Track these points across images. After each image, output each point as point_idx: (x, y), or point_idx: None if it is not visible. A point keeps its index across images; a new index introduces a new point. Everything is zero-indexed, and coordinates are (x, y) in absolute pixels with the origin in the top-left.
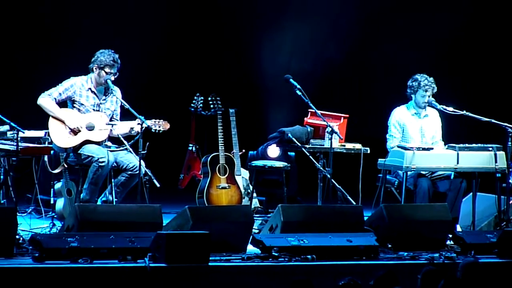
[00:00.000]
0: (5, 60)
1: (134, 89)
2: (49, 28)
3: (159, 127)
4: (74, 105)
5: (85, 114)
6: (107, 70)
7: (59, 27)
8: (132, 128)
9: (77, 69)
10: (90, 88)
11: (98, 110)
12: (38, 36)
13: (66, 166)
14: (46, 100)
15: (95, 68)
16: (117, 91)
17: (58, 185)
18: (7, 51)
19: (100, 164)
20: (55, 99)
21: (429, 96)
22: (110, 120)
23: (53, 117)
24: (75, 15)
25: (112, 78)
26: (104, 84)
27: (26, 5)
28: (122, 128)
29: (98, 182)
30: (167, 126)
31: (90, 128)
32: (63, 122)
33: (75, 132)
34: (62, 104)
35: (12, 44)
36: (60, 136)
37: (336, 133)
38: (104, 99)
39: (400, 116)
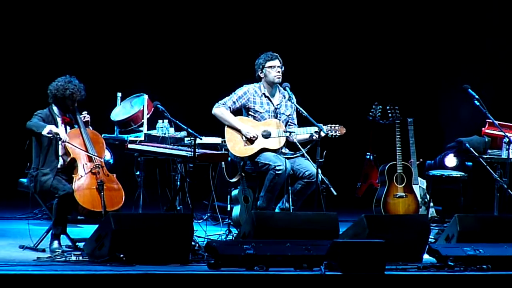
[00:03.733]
0: (183, 68)
1: (313, 97)
2: (223, 37)
3: (335, 132)
4: (249, 112)
5: (261, 122)
6: (268, 64)
7: (231, 37)
8: (311, 135)
9: (248, 77)
10: (264, 94)
11: (275, 116)
12: (214, 46)
13: (243, 175)
14: (221, 110)
15: (260, 72)
16: (293, 97)
17: (235, 192)
18: (187, 61)
19: (277, 172)
20: (230, 108)
21: None
22: (286, 125)
23: (228, 126)
24: (243, 24)
25: (279, 70)
26: (274, 83)
27: (202, 19)
28: (301, 135)
29: (275, 190)
30: (343, 130)
31: (267, 136)
32: (239, 131)
33: (251, 140)
34: (236, 112)
35: (192, 54)
36: (236, 145)
37: None
38: (279, 104)
39: None
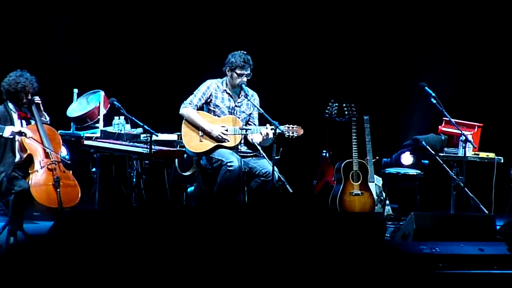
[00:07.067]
0: (140, 65)
1: (268, 95)
2: (178, 32)
3: (293, 133)
4: (209, 107)
5: (219, 118)
6: (238, 71)
7: (185, 33)
8: (267, 134)
9: (212, 72)
10: (225, 90)
11: (233, 113)
12: (170, 41)
13: (198, 171)
14: (188, 110)
15: (228, 71)
16: (254, 96)
17: (190, 189)
18: (143, 57)
19: (228, 168)
20: (196, 106)
21: None
22: (246, 124)
23: (187, 121)
24: (208, 20)
25: (245, 79)
26: (237, 87)
27: (164, 12)
28: (256, 135)
29: (226, 186)
30: (301, 131)
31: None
32: (207, 132)
33: (208, 136)
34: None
35: (148, 50)
36: (192, 140)
37: (470, 141)
38: (240, 102)
39: None
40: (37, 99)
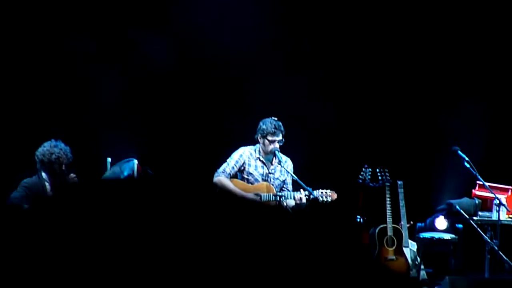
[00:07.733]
0: (173, 134)
1: (302, 160)
2: (208, 100)
3: (326, 197)
4: (243, 174)
5: (252, 185)
6: (269, 138)
7: (217, 101)
8: (300, 199)
9: (237, 139)
10: (258, 158)
11: (267, 180)
12: (204, 107)
13: None
14: (222, 179)
15: (260, 138)
16: (287, 162)
17: None
18: (176, 126)
19: None
20: (229, 174)
21: None
22: (280, 190)
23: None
24: (236, 85)
25: (277, 145)
26: (270, 153)
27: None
28: (290, 201)
29: None
30: (335, 196)
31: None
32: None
33: None
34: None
35: (180, 118)
36: None
37: (503, 205)
38: (273, 169)
39: None
40: (73, 177)
